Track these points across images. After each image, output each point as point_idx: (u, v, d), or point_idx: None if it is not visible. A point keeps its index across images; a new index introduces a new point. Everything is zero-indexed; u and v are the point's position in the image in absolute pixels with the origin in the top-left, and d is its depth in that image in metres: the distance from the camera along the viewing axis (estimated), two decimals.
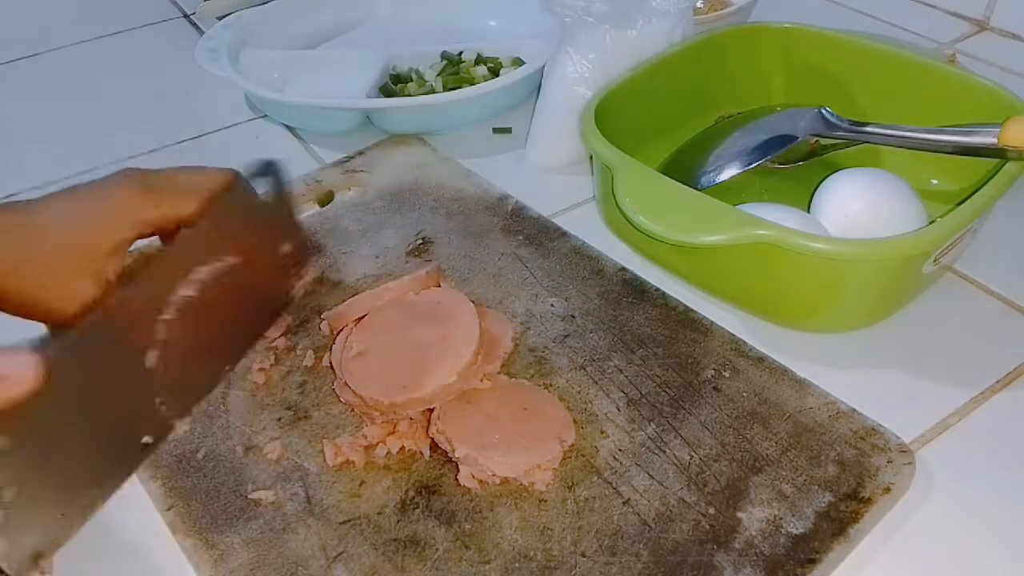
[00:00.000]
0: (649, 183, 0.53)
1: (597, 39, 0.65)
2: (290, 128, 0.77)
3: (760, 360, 0.52)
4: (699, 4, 0.81)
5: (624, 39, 0.65)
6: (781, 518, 0.43)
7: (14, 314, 0.41)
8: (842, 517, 0.43)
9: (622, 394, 0.50)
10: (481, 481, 0.46)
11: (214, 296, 0.43)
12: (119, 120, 0.80)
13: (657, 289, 0.57)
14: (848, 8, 0.92)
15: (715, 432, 0.48)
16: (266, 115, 0.79)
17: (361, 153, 0.71)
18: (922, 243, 0.50)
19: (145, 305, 0.40)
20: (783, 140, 0.62)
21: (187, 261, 0.41)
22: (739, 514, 0.44)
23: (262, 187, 0.45)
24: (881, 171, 0.58)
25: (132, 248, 0.42)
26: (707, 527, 0.43)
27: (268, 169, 0.45)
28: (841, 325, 0.55)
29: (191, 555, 0.44)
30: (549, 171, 0.70)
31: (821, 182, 0.58)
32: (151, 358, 0.40)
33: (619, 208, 0.52)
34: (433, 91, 0.75)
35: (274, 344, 0.54)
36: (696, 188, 0.58)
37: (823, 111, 0.61)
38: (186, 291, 0.41)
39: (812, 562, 0.41)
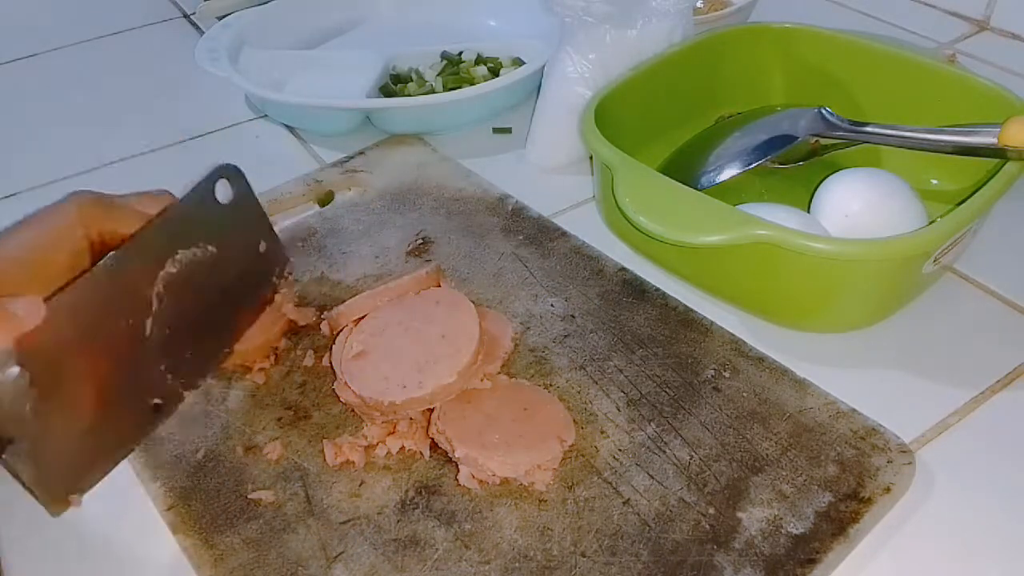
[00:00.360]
0: (649, 183, 0.53)
1: (597, 39, 0.65)
2: (290, 128, 0.77)
3: (760, 360, 0.52)
4: (699, 4, 0.81)
5: (624, 39, 0.65)
6: (781, 518, 0.43)
7: None
8: (842, 517, 0.43)
9: (622, 394, 0.50)
10: (481, 481, 0.46)
11: (198, 278, 0.47)
12: (119, 120, 0.80)
13: (657, 289, 0.57)
14: (848, 8, 0.92)
15: (715, 432, 0.48)
16: (266, 115, 0.79)
17: (361, 153, 0.71)
18: (922, 243, 0.50)
19: (135, 276, 0.44)
20: (783, 140, 0.62)
21: (168, 242, 0.46)
22: (739, 514, 0.44)
23: (225, 191, 0.48)
24: (881, 171, 0.58)
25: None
26: (707, 527, 0.43)
27: (228, 173, 0.48)
28: (841, 325, 0.55)
29: (191, 555, 0.44)
30: (549, 171, 0.70)
31: (821, 182, 0.58)
32: (147, 326, 0.45)
33: (619, 208, 0.52)
34: (433, 91, 0.75)
35: (275, 344, 0.54)
36: (696, 188, 0.58)
37: (823, 111, 0.61)
38: (171, 268, 0.46)
39: (812, 562, 0.41)
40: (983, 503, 0.46)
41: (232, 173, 0.49)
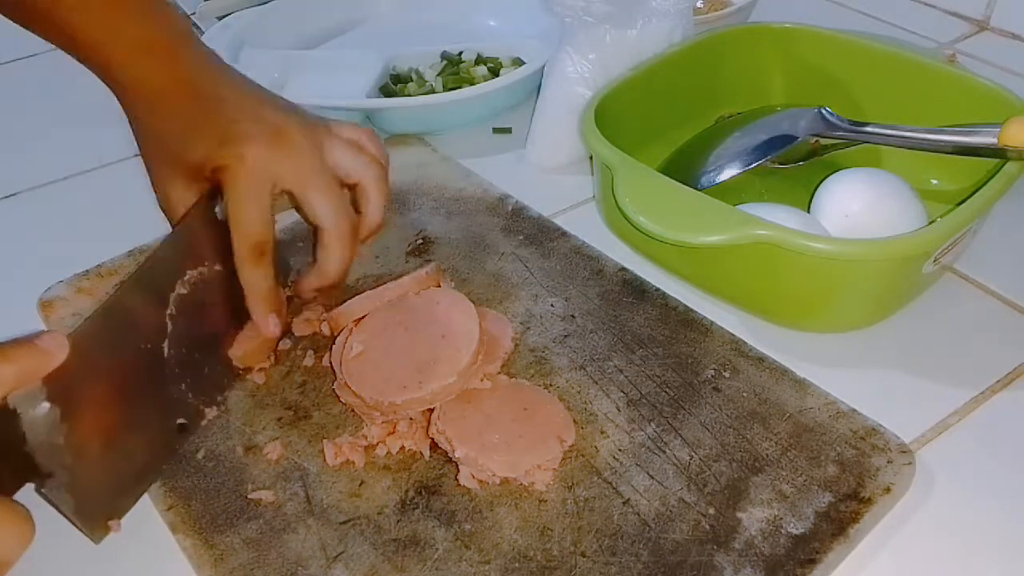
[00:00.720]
0: (649, 183, 0.53)
1: (597, 39, 0.65)
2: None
3: (760, 360, 0.52)
4: (699, 4, 0.81)
5: (624, 39, 0.65)
6: (781, 518, 0.43)
7: None
8: (842, 517, 0.43)
9: (622, 394, 0.50)
10: (481, 481, 0.46)
11: (208, 296, 0.50)
12: (119, 120, 0.80)
13: (657, 289, 0.57)
14: (848, 8, 0.92)
15: (715, 432, 0.48)
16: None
17: None
18: (922, 243, 0.50)
19: (148, 301, 0.46)
20: (783, 140, 0.62)
21: (176, 264, 0.48)
22: (739, 514, 0.44)
23: (223, 209, 0.50)
24: (881, 171, 0.58)
25: None
26: (707, 527, 0.43)
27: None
28: (841, 325, 0.55)
29: (191, 555, 0.44)
30: (549, 171, 0.70)
31: (821, 182, 0.58)
32: (165, 349, 0.47)
33: (619, 208, 0.52)
34: (433, 91, 0.75)
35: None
36: (696, 188, 0.58)
37: (823, 111, 0.61)
38: (181, 290, 0.48)
39: (812, 562, 0.41)
40: (983, 503, 0.46)
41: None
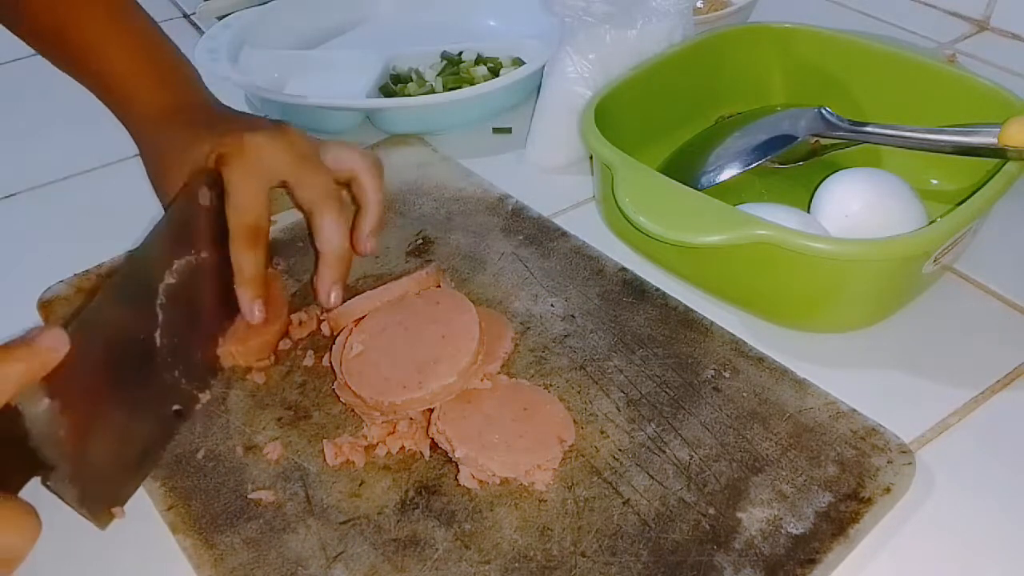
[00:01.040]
0: (649, 183, 0.53)
1: (597, 39, 0.65)
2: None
3: (760, 360, 0.52)
4: (699, 4, 0.81)
5: (624, 39, 0.65)
6: (781, 518, 0.43)
7: None
8: (842, 517, 0.43)
9: (622, 394, 0.50)
10: (481, 481, 0.46)
11: (196, 283, 0.50)
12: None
13: (657, 289, 0.57)
14: (848, 8, 0.92)
15: (715, 432, 0.48)
16: (266, 115, 0.79)
17: None
18: (922, 243, 0.50)
19: (139, 292, 0.47)
20: (783, 140, 0.62)
21: (164, 254, 0.48)
22: (739, 514, 0.44)
23: (206, 196, 0.51)
24: (881, 171, 0.58)
25: None
26: (707, 527, 0.43)
27: (208, 180, 0.51)
28: (841, 325, 0.55)
29: (191, 555, 0.44)
30: (549, 171, 0.70)
31: (821, 182, 0.58)
32: (158, 338, 0.47)
33: (619, 208, 0.52)
34: (433, 91, 0.75)
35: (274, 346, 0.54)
36: (696, 188, 0.58)
37: (823, 111, 0.61)
38: (170, 279, 0.48)
39: (812, 562, 0.41)
40: (983, 503, 0.46)
41: (211, 179, 0.51)
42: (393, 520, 0.44)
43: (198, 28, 0.95)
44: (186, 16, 0.98)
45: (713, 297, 0.57)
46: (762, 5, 0.83)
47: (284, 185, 0.53)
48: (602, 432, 0.48)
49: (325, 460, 0.47)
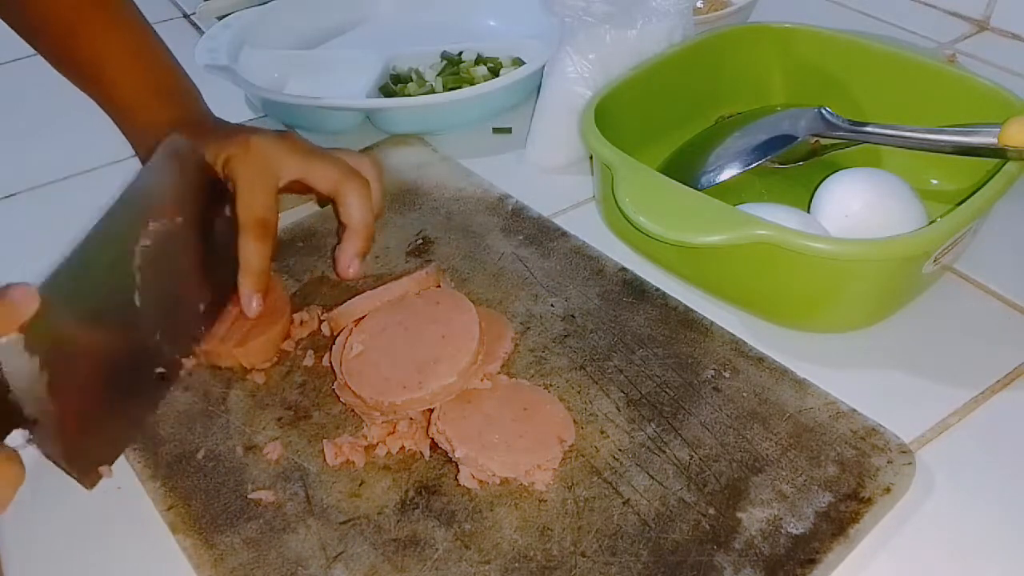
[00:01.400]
0: (649, 183, 0.53)
1: (597, 39, 0.65)
2: (290, 128, 0.77)
3: (760, 360, 0.52)
4: (699, 4, 0.81)
5: (624, 39, 0.65)
6: (781, 518, 0.43)
7: None
8: (842, 517, 0.43)
9: (622, 394, 0.50)
10: (481, 481, 0.46)
11: (173, 247, 0.50)
12: None
13: (657, 289, 0.57)
14: (848, 8, 0.92)
15: (715, 432, 0.48)
16: (266, 115, 0.79)
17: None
18: (922, 243, 0.50)
19: (113, 252, 0.47)
20: (783, 140, 0.62)
21: (137, 217, 0.48)
22: (739, 514, 0.44)
23: (175, 167, 0.51)
24: (881, 171, 0.58)
25: None
26: (707, 527, 0.43)
27: (179, 147, 0.51)
28: (841, 325, 0.55)
29: (191, 555, 0.44)
30: (549, 171, 0.70)
31: (821, 182, 0.58)
32: (136, 299, 0.47)
33: (619, 208, 0.52)
34: (433, 91, 0.75)
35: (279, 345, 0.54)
36: (696, 188, 0.58)
37: (823, 111, 0.61)
38: (145, 241, 0.48)
39: (812, 562, 0.41)
40: (983, 503, 0.46)
41: (182, 146, 0.51)
42: (393, 520, 0.44)
43: (198, 28, 0.95)
44: (186, 16, 0.98)
45: (713, 297, 0.57)
46: (762, 5, 0.83)
47: (299, 183, 0.55)
48: (602, 432, 0.48)
49: (325, 460, 0.47)
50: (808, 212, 0.57)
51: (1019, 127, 0.51)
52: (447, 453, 0.47)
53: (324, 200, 0.63)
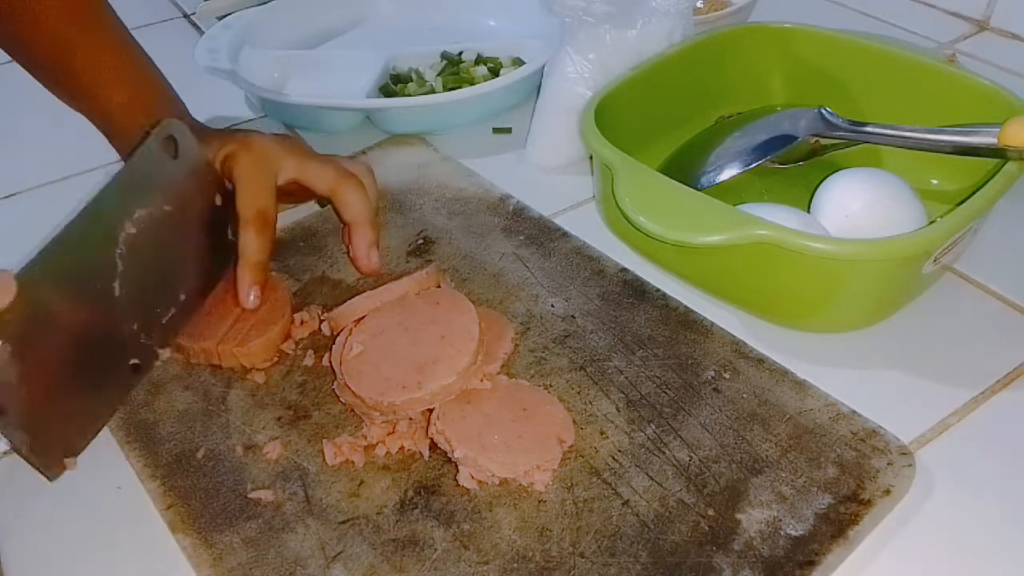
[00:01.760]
0: (649, 183, 0.53)
1: (597, 39, 0.65)
2: (290, 128, 0.77)
3: (760, 361, 0.52)
4: (699, 4, 0.81)
5: (624, 39, 0.65)
6: (780, 520, 0.43)
7: None
8: (842, 519, 0.43)
9: (622, 395, 0.50)
10: (480, 482, 0.46)
11: (159, 236, 0.50)
12: None
13: (657, 290, 0.57)
14: (848, 8, 0.92)
15: (715, 433, 0.48)
16: (266, 115, 0.79)
17: (363, 152, 0.71)
18: (922, 243, 0.50)
19: (97, 240, 0.46)
20: (783, 140, 0.62)
21: (124, 203, 0.48)
22: (738, 515, 0.44)
23: (168, 153, 0.51)
24: (881, 171, 0.58)
25: None
26: (706, 528, 0.43)
27: (173, 131, 0.51)
28: (841, 325, 0.55)
29: (190, 554, 0.44)
30: (549, 171, 0.70)
31: (821, 182, 0.58)
32: (116, 288, 0.47)
33: (619, 208, 0.52)
34: (433, 91, 0.75)
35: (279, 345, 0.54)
36: (696, 188, 0.58)
37: (823, 111, 0.61)
38: (130, 229, 0.48)
39: (811, 564, 0.41)
40: (983, 504, 0.46)
41: (177, 130, 0.51)
42: (392, 520, 0.44)
43: (198, 28, 0.95)
44: (186, 16, 0.98)
45: (713, 297, 0.57)
46: (762, 5, 0.83)
47: (295, 184, 0.56)
48: (602, 433, 0.48)
49: (324, 460, 0.47)
50: (808, 212, 0.57)
51: (1019, 127, 0.51)
52: (446, 453, 0.47)
53: (324, 201, 0.63)
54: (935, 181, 0.63)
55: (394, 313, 0.51)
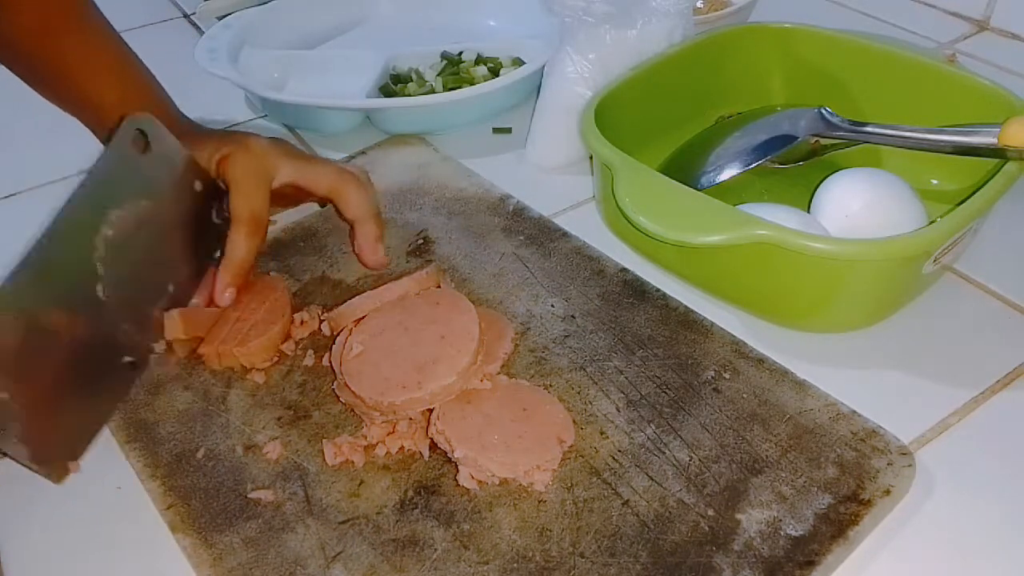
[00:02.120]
0: (649, 183, 0.53)
1: (597, 39, 0.65)
2: (290, 128, 0.77)
3: (760, 361, 0.52)
4: (699, 4, 0.81)
5: (624, 39, 0.65)
6: (780, 520, 0.43)
7: None
8: (842, 519, 0.43)
9: (622, 395, 0.50)
10: (480, 482, 0.46)
11: (139, 233, 0.49)
12: None
13: (657, 290, 0.57)
14: (848, 8, 0.92)
15: (715, 433, 0.48)
16: (266, 115, 0.79)
17: (363, 152, 0.71)
18: (922, 243, 0.50)
19: (75, 245, 0.46)
20: (783, 140, 0.62)
21: (98, 206, 0.47)
22: (738, 516, 0.44)
23: (138, 149, 0.50)
24: (881, 171, 0.58)
25: None
26: (706, 528, 0.43)
27: (141, 124, 0.50)
28: (841, 325, 0.55)
29: (190, 554, 0.44)
30: (549, 171, 0.70)
31: (821, 182, 0.58)
32: (100, 291, 0.47)
33: (619, 208, 0.52)
34: (433, 91, 0.75)
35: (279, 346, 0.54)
36: (696, 188, 0.58)
37: (823, 111, 0.61)
38: (107, 231, 0.47)
39: (811, 564, 0.41)
40: (983, 504, 0.46)
41: (145, 124, 0.50)
42: (392, 520, 0.44)
43: (198, 28, 0.95)
44: (186, 16, 0.98)
45: (713, 297, 0.57)
46: (762, 5, 0.83)
47: (291, 188, 0.56)
48: (602, 433, 0.48)
49: (324, 460, 0.47)
50: (808, 212, 0.57)
51: (1019, 127, 0.51)
52: (446, 453, 0.47)
53: (323, 201, 0.63)
54: (935, 181, 0.63)
55: (394, 313, 0.51)
